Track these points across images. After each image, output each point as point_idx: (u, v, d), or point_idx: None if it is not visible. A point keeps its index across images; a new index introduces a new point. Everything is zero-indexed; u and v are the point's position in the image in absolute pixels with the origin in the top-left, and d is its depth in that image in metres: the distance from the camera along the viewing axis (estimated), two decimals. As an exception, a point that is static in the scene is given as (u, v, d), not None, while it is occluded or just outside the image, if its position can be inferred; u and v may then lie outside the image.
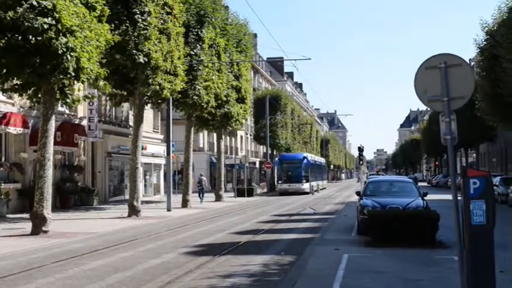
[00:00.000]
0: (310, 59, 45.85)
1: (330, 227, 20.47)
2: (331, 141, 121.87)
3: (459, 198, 7.89)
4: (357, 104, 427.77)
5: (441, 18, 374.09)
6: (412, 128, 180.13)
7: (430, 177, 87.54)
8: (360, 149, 47.41)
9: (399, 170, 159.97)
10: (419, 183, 45.18)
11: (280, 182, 53.79)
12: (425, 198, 17.70)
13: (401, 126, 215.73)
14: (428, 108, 18.42)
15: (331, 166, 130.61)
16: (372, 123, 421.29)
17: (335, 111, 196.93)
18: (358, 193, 19.34)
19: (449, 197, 8.83)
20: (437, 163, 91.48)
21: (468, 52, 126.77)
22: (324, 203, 37.40)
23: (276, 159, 57.42)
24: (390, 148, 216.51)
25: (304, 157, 54.02)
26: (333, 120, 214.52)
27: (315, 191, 55.50)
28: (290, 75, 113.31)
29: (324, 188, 66.19)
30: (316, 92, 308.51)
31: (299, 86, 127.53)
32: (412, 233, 14.26)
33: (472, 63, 47.69)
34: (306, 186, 52.26)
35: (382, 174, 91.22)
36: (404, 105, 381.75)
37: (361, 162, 50.46)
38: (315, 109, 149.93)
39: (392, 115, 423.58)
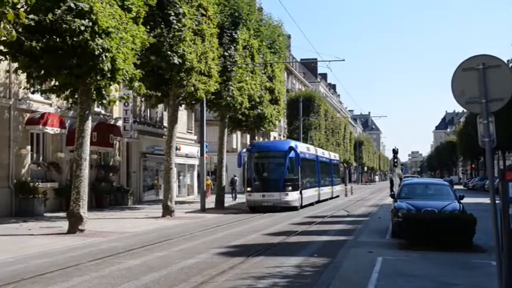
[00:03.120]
0: (344, 60, 45.56)
1: (364, 229, 20.29)
2: (364, 143, 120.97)
3: (497, 201, 7.74)
4: (392, 105, 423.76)
5: (478, 18, 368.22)
6: (448, 130, 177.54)
7: (466, 180, 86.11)
8: (395, 151, 46.98)
9: (434, 173, 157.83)
10: (455, 186, 44.27)
11: (249, 189, 29.84)
12: (461, 201, 17.41)
13: (437, 128, 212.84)
14: (465, 110, 18.19)
15: (365, 168, 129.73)
16: (407, 125, 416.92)
17: (369, 112, 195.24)
18: (392, 195, 19.13)
19: (486, 200, 8.69)
20: (473, 166, 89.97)
21: (506, 54, 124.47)
22: (358, 205, 37.10)
23: (244, 150, 33.06)
24: (425, 150, 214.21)
25: (291, 148, 30.18)
26: (366, 122, 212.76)
27: (311, 203, 34.45)
28: (324, 76, 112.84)
29: (337, 197, 46.27)
30: (350, 94, 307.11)
31: (333, 87, 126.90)
32: (447, 236, 14.04)
33: (511, 64, 46.81)
34: (292, 196, 29.69)
35: (417, 177, 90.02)
36: (440, 107, 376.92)
37: (395, 164, 49.97)
38: (349, 110, 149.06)
39: (427, 117, 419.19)
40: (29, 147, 25.42)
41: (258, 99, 36.50)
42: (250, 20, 34.99)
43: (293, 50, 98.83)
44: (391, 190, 52.59)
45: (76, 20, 16.15)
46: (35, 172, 25.90)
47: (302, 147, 34.26)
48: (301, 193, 30.99)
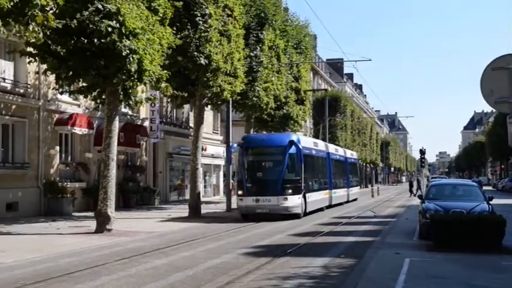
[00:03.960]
0: (370, 60, 44.92)
1: (391, 230, 20.12)
2: (391, 144, 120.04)
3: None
4: (419, 105, 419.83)
5: (508, 17, 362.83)
6: (477, 130, 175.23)
7: (495, 181, 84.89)
8: (422, 152, 46.51)
9: (462, 174, 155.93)
10: (484, 187, 43.70)
11: (240, 192, 24.50)
12: (490, 202, 17.15)
13: (465, 128, 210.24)
14: (494, 110, 17.93)
15: (392, 169, 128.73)
16: (434, 125, 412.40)
17: (395, 113, 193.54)
18: (420, 196, 18.95)
19: (517, 201, 8.52)
20: (503, 166, 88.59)
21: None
22: (384, 206, 36.81)
23: (235, 145, 27.57)
24: (453, 151, 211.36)
25: (292, 142, 24.58)
26: (393, 122, 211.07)
27: (320, 209, 29.21)
28: (350, 76, 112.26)
29: (354, 200, 41.11)
30: (376, 94, 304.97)
31: (359, 87, 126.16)
32: (476, 238, 13.85)
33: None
34: (292, 201, 24.15)
35: (445, 178, 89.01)
36: (469, 107, 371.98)
37: (422, 165, 49.49)
38: (375, 111, 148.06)
39: (455, 117, 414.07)
40: (57, 148, 25.77)
41: (283, 100, 36.46)
42: (276, 21, 34.98)
43: (319, 50, 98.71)
44: (410, 192, 52.48)
45: (103, 21, 16.32)
46: (63, 172, 26.24)
47: (307, 142, 28.95)
48: (304, 197, 25.01)
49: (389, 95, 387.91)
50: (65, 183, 25.26)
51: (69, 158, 27.14)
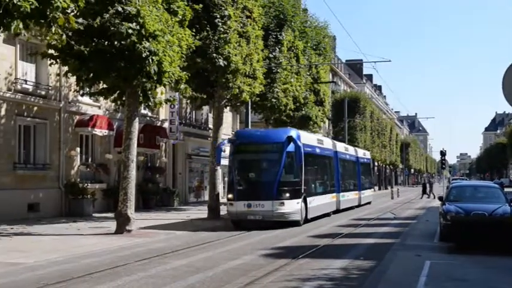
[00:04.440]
0: (390, 60, 44.92)
1: (411, 232, 20.00)
2: (411, 145, 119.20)
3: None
4: (439, 106, 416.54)
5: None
6: (498, 131, 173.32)
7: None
8: (442, 153, 46.13)
9: (484, 175, 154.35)
10: (506, 189, 43.29)
11: (230, 196, 21.55)
12: (512, 204, 16.94)
13: (486, 129, 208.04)
14: (516, 111, 17.71)
15: (412, 170, 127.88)
16: (455, 127, 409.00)
17: (415, 114, 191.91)
18: (440, 198, 18.80)
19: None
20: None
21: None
22: (404, 207, 36.57)
23: (225, 141, 23.97)
24: (474, 152, 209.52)
25: (290, 139, 21.48)
26: (413, 123, 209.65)
27: (326, 214, 26.25)
28: (369, 77, 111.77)
29: (367, 204, 38.11)
30: (396, 95, 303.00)
31: (378, 88, 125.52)
32: (498, 240, 13.73)
33: None
34: (290, 206, 21.07)
35: (466, 179, 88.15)
36: (490, 108, 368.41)
37: (443, 166, 49.11)
38: (395, 112, 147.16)
39: (476, 118, 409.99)
40: (78, 149, 25.99)
41: (302, 101, 36.39)
42: (295, 22, 34.95)
43: (338, 51, 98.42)
44: (423, 193, 52.13)
45: (124, 23, 16.42)
46: (84, 173, 26.46)
47: (309, 139, 25.01)
48: (305, 201, 22.00)
49: (409, 96, 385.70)
50: (86, 184, 25.46)
51: (90, 159, 27.35)
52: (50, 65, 19.96)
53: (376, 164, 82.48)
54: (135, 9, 16.69)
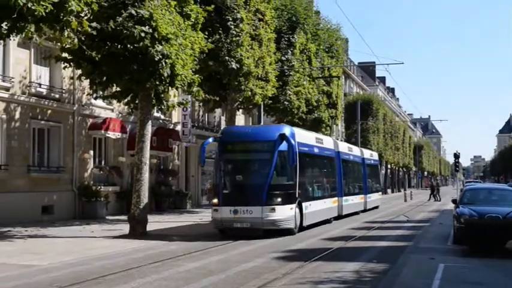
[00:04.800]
0: (403, 63, 44.84)
1: (424, 235, 19.90)
2: (424, 148, 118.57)
3: None
4: (453, 108, 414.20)
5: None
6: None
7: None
8: (456, 156, 45.85)
9: (498, 178, 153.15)
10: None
11: (215, 201, 19.07)
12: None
13: (501, 131, 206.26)
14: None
15: (425, 173, 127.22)
16: (469, 129, 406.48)
17: (429, 116, 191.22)
18: (454, 201, 18.68)
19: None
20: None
21: None
22: (418, 210, 36.38)
23: (209, 140, 20.70)
24: (488, 155, 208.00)
25: (283, 137, 18.99)
26: (426, 126, 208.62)
27: (326, 221, 23.91)
28: (382, 79, 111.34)
29: (374, 208, 35.68)
30: (409, 97, 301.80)
31: (391, 90, 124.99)
32: (513, 243, 13.61)
33: None
34: (282, 213, 18.66)
35: (480, 182, 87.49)
36: (504, 110, 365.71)
37: (457, 169, 48.85)
38: (408, 114, 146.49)
39: (490, 120, 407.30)
40: (91, 152, 26.11)
41: (315, 104, 36.38)
42: (308, 24, 34.99)
43: (351, 53, 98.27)
44: (431, 196, 51.80)
45: (137, 26, 16.51)
46: (97, 176, 26.58)
47: (305, 137, 22.31)
48: (300, 207, 19.72)
49: (423, 99, 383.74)
50: (99, 187, 25.58)
51: (103, 162, 27.48)
52: (64, 68, 20.09)
53: (389, 166, 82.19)
54: (148, 12, 16.78)
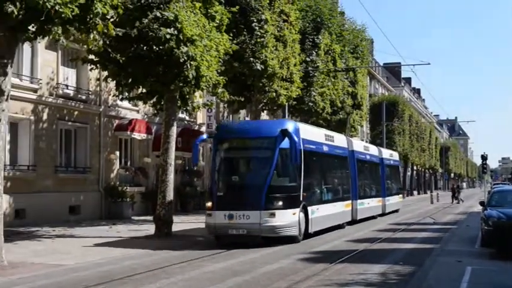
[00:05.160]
0: (429, 63, 44.01)
1: (451, 237, 19.67)
2: (451, 149, 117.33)
3: None
4: (480, 109, 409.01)
5: None
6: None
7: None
8: (484, 158, 45.31)
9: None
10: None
11: (209, 204, 17.02)
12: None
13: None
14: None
15: (452, 175, 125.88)
16: (497, 130, 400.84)
17: (455, 117, 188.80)
18: (481, 203, 18.44)
19: None
20: None
21: None
22: (444, 212, 36.00)
23: (204, 136, 22.00)
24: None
25: (285, 133, 16.98)
26: (453, 127, 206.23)
27: (338, 226, 21.97)
28: (408, 80, 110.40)
29: (393, 212, 33.41)
30: (435, 98, 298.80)
31: (417, 91, 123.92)
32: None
33: None
34: (283, 218, 16.66)
35: (508, 184, 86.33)
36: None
37: (484, 171, 48.24)
38: (434, 115, 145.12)
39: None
40: (117, 153, 26.35)
41: (340, 105, 36.24)
42: (332, 25, 34.87)
43: (376, 54, 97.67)
44: (453, 197, 51.05)
45: (162, 28, 16.61)
46: (123, 176, 26.81)
47: (312, 133, 20.29)
48: (305, 211, 17.77)
49: (449, 100, 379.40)
50: (125, 188, 25.79)
51: (129, 163, 27.71)
52: (91, 70, 20.31)
53: (415, 168, 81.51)
54: (173, 14, 16.86)
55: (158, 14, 16.76)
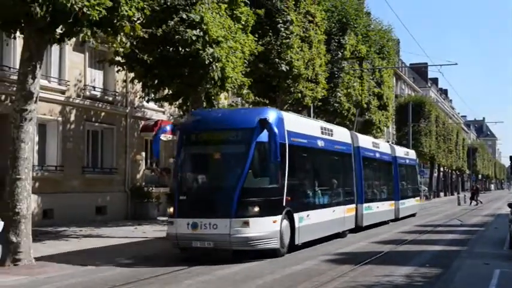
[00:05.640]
0: (456, 64, 43.38)
1: (479, 239, 19.43)
2: (479, 150, 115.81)
3: None
4: (508, 110, 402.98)
5: None
6: None
7: None
8: (512, 159, 44.59)
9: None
10: None
11: (171, 210, 14.15)
12: None
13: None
14: None
15: (479, 176, 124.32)
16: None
17: (483, 118, 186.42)
18: (510, 205, 18.17)
19: None
20: None
21: None
22: (472, 214, 35.54)
23: (167, 127, 17.17)
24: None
25: (264, 123, 13.87)
26: (481, 128, 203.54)
27: (337, 234, 18.78)
28: (434, 81, 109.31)
29: (409, 216, 30.31)
30: (462, 99, 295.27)
31: (444, 92, 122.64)
32: None
33: None
34: (259, 227, 13.54)
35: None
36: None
37: (512, 172, 47.53)
38: (461, 116, 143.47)
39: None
40: (143, 153, 26.56)
41: (365, 106, 36.04)
42: (358, 25, 34.71)
43: (402, 54, 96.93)
44: (471, 199, 50.22)
45: (188, 30, 16.71)
46: (148, 177, 27.00)
47: (301, 125, 16.95)
48: (290, 218, 14.72)
49: (477, 100, 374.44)
50: (150, 188, 25.97)
51: (154, 164, 27.89)
52: (117, 71, 20.54)
53: (441, 169, 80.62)
54: (198, 16, 16.95)
55: (184, 16, 16.87)
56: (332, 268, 12.54)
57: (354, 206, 20.82)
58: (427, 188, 66.28)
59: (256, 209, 13.55)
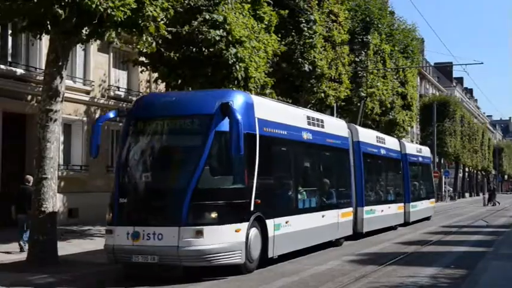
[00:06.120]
0: (482, 63, 43.21)
1: (505, 240, 19.17)
2: (505, 150, 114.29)
3: None
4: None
5: None
6: None
7: None
8: (539, 159, 43.95)
9: None
10: None
11: (110, 216, 11.43)
12: None
13: None
14: None
15: (505, 176, 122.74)
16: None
17: (509, 118, 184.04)
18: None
19: None
20: None
21: None
22: (497, 215, 35.10)
23: (110, 114, 12.73)
24: None
25: (225, 107, 10.96)
26: (507, 128, 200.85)
27: (331, 243, 16.03)
28: (459, 80, 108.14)
29: (423, 220, 27.78)
30: (488, 98, 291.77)
31: (469, 91, 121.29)
32: None
33: None
34: (215, 238, 10.72)
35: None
36: None
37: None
38: (487, 116, 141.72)
39: None
40: (167, 153, 26.62)
41: (389, 105, 35.83)
42: (382, 25, 34.55)
43: (427, 53, 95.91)
44: (489, 200, 49.41)
45: (211, 30, 16.76)
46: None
47: (279, 113, 13.84)
48: (261, 226, 12.05)
49: (503, 100, 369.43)
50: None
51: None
52: (141, 72, 20.66)
53: (466, 169, 79.77)
54: (222, 16, 16.99)
55: (207, 16, 16.91)
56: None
57: (351, 209, 17.99)
58: (451, 189, 65.68)
59: (213, 214, 10.83)
